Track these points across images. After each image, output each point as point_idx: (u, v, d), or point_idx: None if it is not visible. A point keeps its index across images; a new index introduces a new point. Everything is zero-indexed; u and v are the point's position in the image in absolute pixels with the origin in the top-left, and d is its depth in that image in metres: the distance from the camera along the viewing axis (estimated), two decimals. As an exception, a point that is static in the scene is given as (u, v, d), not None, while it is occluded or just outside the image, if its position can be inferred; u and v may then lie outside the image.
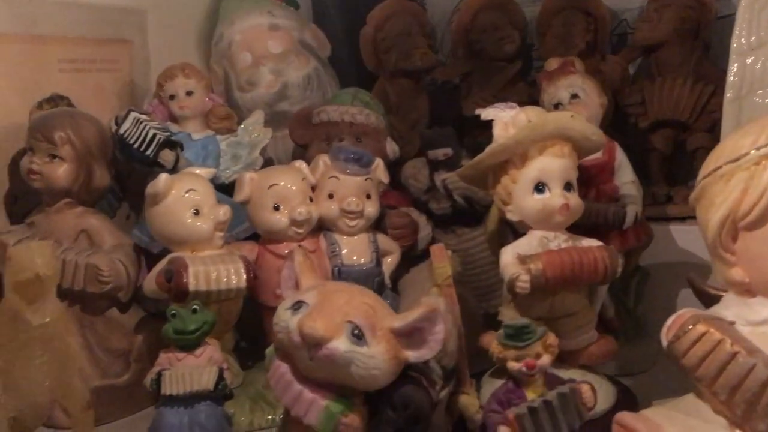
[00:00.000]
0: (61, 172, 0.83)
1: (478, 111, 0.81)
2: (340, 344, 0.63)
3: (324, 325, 0.63)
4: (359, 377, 0.63)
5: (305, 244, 0.86)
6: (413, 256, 0.97)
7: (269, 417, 0.84)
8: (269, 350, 0.72)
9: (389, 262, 0.91)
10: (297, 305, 0.66)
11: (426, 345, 0.65)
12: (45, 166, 0.83)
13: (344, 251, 0.87)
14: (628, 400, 0.78)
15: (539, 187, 0.75)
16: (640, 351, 0.94)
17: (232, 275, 0.79)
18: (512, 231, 0.96)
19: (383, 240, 0.91)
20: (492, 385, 0.78)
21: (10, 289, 0.65)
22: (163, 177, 0.79)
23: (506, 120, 0.76)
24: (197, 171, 0.84)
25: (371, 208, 0.88)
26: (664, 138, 1.10)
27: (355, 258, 0.88)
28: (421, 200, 0.98)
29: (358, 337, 0.63)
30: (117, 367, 0.86)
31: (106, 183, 0.87)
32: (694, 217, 1.08)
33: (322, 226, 0.89)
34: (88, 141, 0.84)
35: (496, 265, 0.97)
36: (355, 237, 0.89)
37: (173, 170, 0.95)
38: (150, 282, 0.79)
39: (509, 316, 0.78)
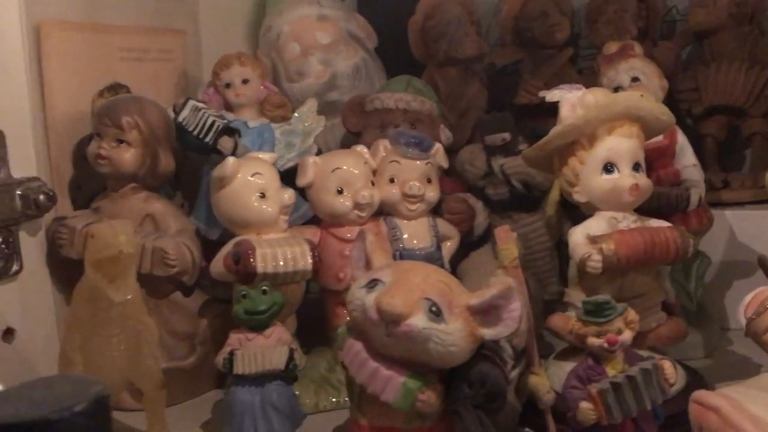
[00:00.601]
0: (128, 156, 0.84)
1: (542, 93, 0.81)
2: (418, 321, 0.63)
3: (402, 301, 0.63)
4: (437, 354, 0.64)
5: (367, 228, 0.86)
6: (468, 243, 0.97)
7: (333, 399, 0.84)
8: (341, 330, 0.72)
9: (448, 247, 0.91)
10: (372, 283, 0.67)
11: (502, 322, 0.65)
12: (112, 150, 0.84)
13: (405, 235, 0.88)
14: (698, 382, 0.77)
15: (608, 168, 0.75)
16: (701, 336, 0.93)
17: (298, 257, 0.80)
18: (569, 216, 0.97)
19: (442, 224, 0.91)
20: (558, 368, 0.78)
21: (90, 267, 0.65)
22: (231, 160, 0.80)
23: (573, 101, 0.76)
24: (261, 156, 0.85)
25: (432, 193, 0.88)
26: (718, 124, 1.09)
27: (415, 242, 0.88)
28: (477, 186, 0.98)
29: (435, 314, 0.63)
30: (181, 350, 0.87)
31: (171, 168, 0.88)
32: (749, 203, 1.08)
33: (381, 211, 0.89)
34: (154, 126, 0.85)
35: (553, 250, 0.98)
36: (416, 221, 0.89)
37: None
38: (217, 264, 0.80)
39: (577, 297, 0.78)
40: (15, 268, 0.81)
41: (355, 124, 1.06)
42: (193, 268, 0.86)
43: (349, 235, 0.86)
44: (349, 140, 1.10)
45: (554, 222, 0.95)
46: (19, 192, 0.81)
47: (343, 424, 0.80)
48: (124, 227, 0.64)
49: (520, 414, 0.76)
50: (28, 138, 0.84)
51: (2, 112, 0.80)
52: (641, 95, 0.75)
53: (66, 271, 0.88)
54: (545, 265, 0.97)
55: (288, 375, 0.75)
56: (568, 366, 0.76)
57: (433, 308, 0.64)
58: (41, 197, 0.81)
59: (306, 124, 1.06)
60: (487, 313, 0.65)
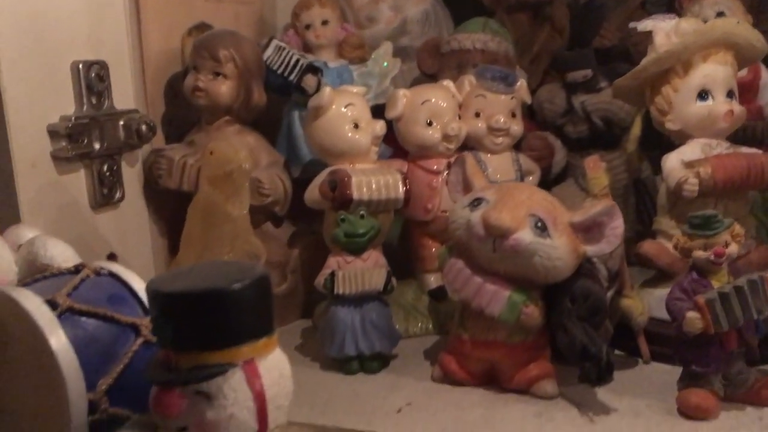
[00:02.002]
0: (225, 89, 0.87)
1: (632, 24, 0.82)
2: (525, 235, 0.65)
3: (509, 216, 0.65)
4: (542, 268, 0.66)
5: (453, 161, 0.88)
6: (545, 182, 0.99)
7: (421, 325, 0.87)
8: (442, 250, 0.75)
9: (530, 181, 0.93)
10: (476, 202, 0.69)
11: (605, 239, 0.67)
12: (209, 83, 0.86)
13: (489, 169, 0.89)
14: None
15: (703, 95, 0.76)
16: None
17: (391, 186, 0.82)
18: (648, 156, 0.98)
19: (525, 159, 0.93)
20: (646, 294, 0.80)
21: (208, 184, 0.68)
22: (327, 90, 0.82)
23: (667, 29, 0.77)
24: (353, 89, 0.87)
25: (516, 126, 0.90)
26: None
27: (499, 176, 0.89)
28: (556, 124, 0.99)
29: (541, 229, 0.66)
30: (274, 278, 0.89)
31: (263, 102, 0.90)
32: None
33: (466, 146, 0.91)
34: (248, 60, 0.88)
35: (631, 188, 0.99)
36: (500, 155, 0.90)
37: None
38: (312, 192, 0.82)
39: (667, 225, 0.79)
40: (118, 195, 0.85)
41: (431, 66, 1.07)
42: (285, 199, 0.89)
43: (436, 167, 0.88)
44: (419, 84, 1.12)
45: (635, 158, 0.96)
46: (122, 122, 0.83)
47: (430, 348, 0.82)
48: (241, 145, 0.67)
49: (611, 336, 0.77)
50: (127, 71, 0.86)
51: (104, 44, 0.83)
52: (737, 22, 0.75)
53: (159, 202, 0.91)
54: (622, 202, 0.98)
55: (386, 296, 0.77)
56: (657, 292, 0.78)
57: (539, 224, 0.66)
58: (143, 127, 0.84)
59: (383, 66, 1.08)
60: (589, 230, 0.67)
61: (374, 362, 0.76)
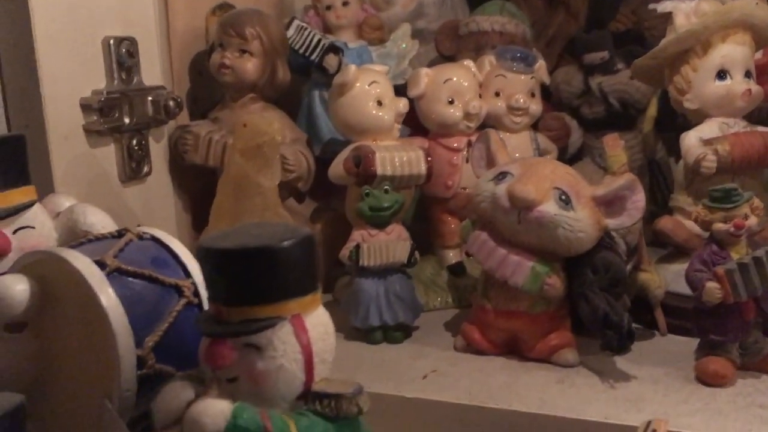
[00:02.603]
0: (251, 66, 0.88)
1: (652, 6, 0.84)
2: (549, 207, 0.67)
3: (535, 188, 0.67)
4: (566, 240, 0.68)
5: (473, 139, 0.89)
6: (562, 160, 1.00)
7: (440, 299, 0.89)
8: (465, 224, 0.77)
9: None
10: (501, 176, 0.71)
11: (626, 212, 0.69)
12: (236, 60, 0.88)
13: (509, 148, 0.90)
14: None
15: (721, 75, 0.77)
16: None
17: (414, 162, 0.84)
18: (663, 137, 1.00)
19: (543, 139, 0.95)
20: (663, 269, 0.81)
21: (240, 156, 0.70)
22: (353, 67, 0.84)
23: (687, 10, 0.78)
24: (376, 67, 0.89)
25: (535, 106, 0.92)
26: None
27: (518, 154, 0.90)
28: (572, 105, 1.01)
29: (565, 202, 0.68)
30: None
31: (287, 80, 0.92)
32: None
33: (485, 125, 0.93)
34: (274, 38, 0.89)
35: (646, 169, 1.01)
36: (519, 134, 0.92)
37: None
38: (337, 167, 0.84)
39: (684, 202, 0.81)
40: (146, 169, 0.87)
41: (449, 48, 1.09)
42: (309, 175, 0.90)
43: (456, 145, 0.90)
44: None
45: (651, 139, 0.98)
46: (150, 98, 0.85)
47: (451, 320, 0.84)
48: (273, 118, 0.68)
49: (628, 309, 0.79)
50: (155, 48, 0.88)
51: (133, 21, 0.85)
52: (756, 3, 0.77)
53: (183, 178, 0.93)
54: (639, 182, 1.00)
55: (409, 268, 0.79)
56: (672, 267, 0.80)
57: (563, 197, 0.68)
58: (171, 103, 0.86)
59: (401, 47, 1.09)
60: (611, 203, 0.69)
61: (397, 333, 0.79)
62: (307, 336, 0.45)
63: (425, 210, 0.95)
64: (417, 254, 0.79)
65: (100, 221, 0.64)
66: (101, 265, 0.52)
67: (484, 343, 0.73)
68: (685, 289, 0.71)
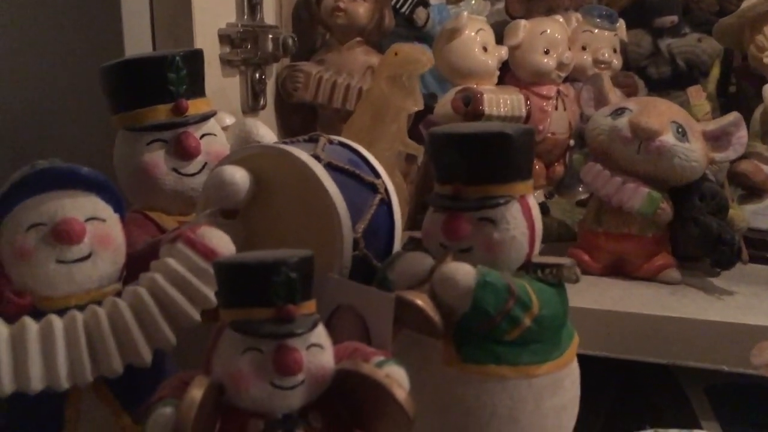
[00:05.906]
0: (362, 10, 0.94)
1: (735, -29, 0.92)
2: (669, 138, 0.75)
3: (657, 120, 0.75)
4: (680, 168, 0.76)
5: (561, 89, 0.97)
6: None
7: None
8: (577, 156, 0.84)
9: (623, 113, 1.03)
10: (619, 111, 0.78)
11: (731, 147, 0.77)
12: (349, 4, 0.94)
13: (592, 99, 0.99)
14: None
15: (802, 32, 0.86)
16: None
17: (515, 104, 0.91)
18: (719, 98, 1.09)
19: (619, 94, 1.02)
20: (741, 210, 0.90)
21: (386, 81, 0.76)
22: (465, 14, 0.90)
23: (772, -26, 0.87)
24: (479, 18, 0.95)
25: (617, 61, 1.00)
26: None
27: (598, 104, 0.99)
28: (639, 66, 1.09)
29: (681, 134, 0.75)
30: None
31: (392, 26, 0.98)
32: None
33: (568, 78, 1.00)
34: (383, -16, 0.95)
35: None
36: (600, 87, 1.00)
37: (423, 28, 1.06)
38: (444, 107, 0.90)
39: (761, 148, 0.90)
40: (262, 103, 0.92)
41: (519, 10, 1.15)
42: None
43: (546, 93, 0.97)
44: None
45: (714, 98, 1.07)
46: (270, 35, 0.91)
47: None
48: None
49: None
50: (270, -10, 0.93)
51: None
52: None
53: (285, 115, 0.98)
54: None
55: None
56: (749, 207, 0.89)
57: (680, 129, 0.76)
58: (289, 41, 0.91)
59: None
60: (718, 138, 0.77)
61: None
62: (531, 214, 0.52)
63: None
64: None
65: (267, 134, 0.69)
66: (317, 158, 0.58)
67: (592, 264, 0.81)
68: (760, 224, 0.80)
